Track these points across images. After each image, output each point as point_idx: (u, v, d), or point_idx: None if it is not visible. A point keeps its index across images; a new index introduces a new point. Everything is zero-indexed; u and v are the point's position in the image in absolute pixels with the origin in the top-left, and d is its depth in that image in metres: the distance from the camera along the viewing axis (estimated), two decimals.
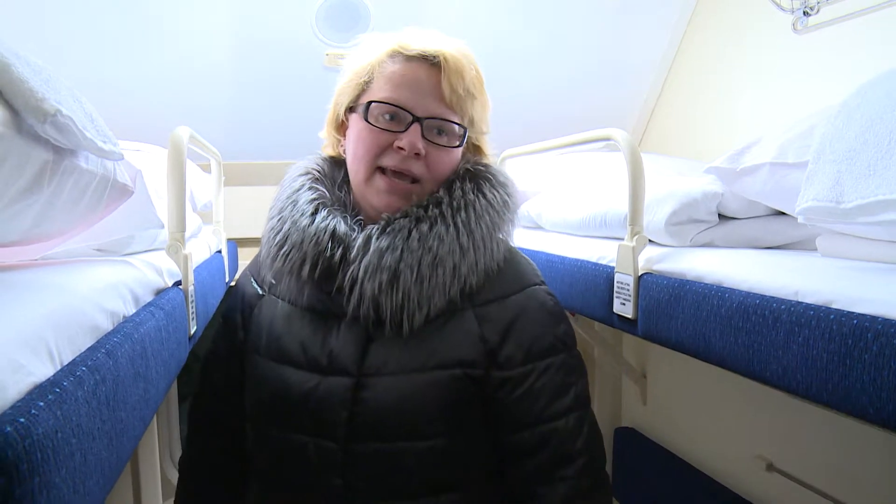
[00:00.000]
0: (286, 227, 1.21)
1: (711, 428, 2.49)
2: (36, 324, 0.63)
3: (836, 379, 0.88)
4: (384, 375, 1.18)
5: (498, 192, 1.27)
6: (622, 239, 1.43)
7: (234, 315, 1.35)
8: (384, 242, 1.17)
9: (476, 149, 1.36)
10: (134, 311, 0.93)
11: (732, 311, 1.09)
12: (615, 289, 1.44)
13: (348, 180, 1.30)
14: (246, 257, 2.16)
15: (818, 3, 2.14)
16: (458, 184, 1.25)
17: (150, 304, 0.99)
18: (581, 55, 3.11)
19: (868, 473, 1.80)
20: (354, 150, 1.25)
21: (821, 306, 0.93)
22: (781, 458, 2.11)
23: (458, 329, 1.22)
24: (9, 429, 0.49)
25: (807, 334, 0.93)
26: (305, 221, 1.20)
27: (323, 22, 2.68)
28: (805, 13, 2.18)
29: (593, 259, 1.59)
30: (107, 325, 0.79)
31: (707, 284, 1.19)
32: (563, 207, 1.97)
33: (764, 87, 2.58)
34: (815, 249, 1.22)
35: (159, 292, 1.09)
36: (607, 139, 1.48)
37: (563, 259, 1.74)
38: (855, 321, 0.85)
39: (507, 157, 2.09)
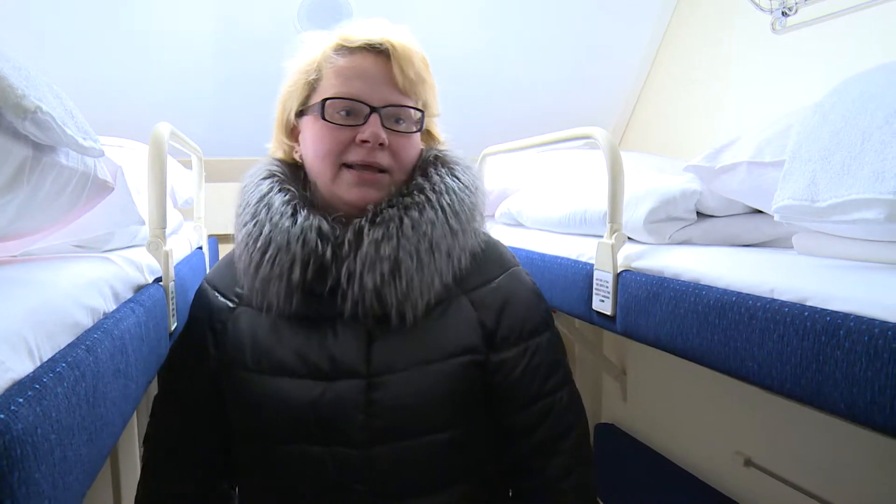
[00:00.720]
0: (266, 230, 1.17)
1: (691, 424, 2.50)
2: (15, 320, 0.63)
3: (810, 375, 0.89)
4: (395, 372, 1.17)
5: (468, 175, 1.28)
6: (602, 236, 1.44)
7: (200, 332, 1.28)
8: (378, 233, 1.16)
9: (428, 134, 1.35)
10: (114, 307, 0.93)
11: (709, 308, 1.10)
12: (594, 286, 1.45)
13: (310, 182, 1.27)
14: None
15: (796, 3, 2.15)
16: (433, 169, 1.25)
17: (130, 300, 0.99)
18: (562, 53, 3.12)
19: (844, 469, 1.82)
20: (315, 150, 1.22)
21: (795, 304, 0.94)
22: (759, 453, 2.13)
23: (457, 316, 1.23)
24: None
25: (781, 331, 0.94)
26: (287, 222, 1.17)
27: (305, 18, 2.68)
28: (784, 13, 2.20)
29: (573, 256, 1.60)
30: (87, 322, 0.79)
31: (684, 282, 1.20)
32: (543, 205, 1.98)
33: (744, 86, 2.60)
34: (792, 247, 1.24)
35: (139, 289, 1.09)
36: (587, 137, 1.49)
37: (543, 256, 1.75)
38: (828, 318, 0.87)
39: (488, 155, 2.10)
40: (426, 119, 1.28)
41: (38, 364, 0.61)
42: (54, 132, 0.74)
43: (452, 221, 1.21)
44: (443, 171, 1.26)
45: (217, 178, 2.77)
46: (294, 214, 1.18)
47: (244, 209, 1.23)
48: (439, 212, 1.20)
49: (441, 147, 1.33)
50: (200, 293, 1.32)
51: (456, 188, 1.24)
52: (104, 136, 2.05)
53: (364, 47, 1.21)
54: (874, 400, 0.79)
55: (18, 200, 0.79)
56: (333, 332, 1.19)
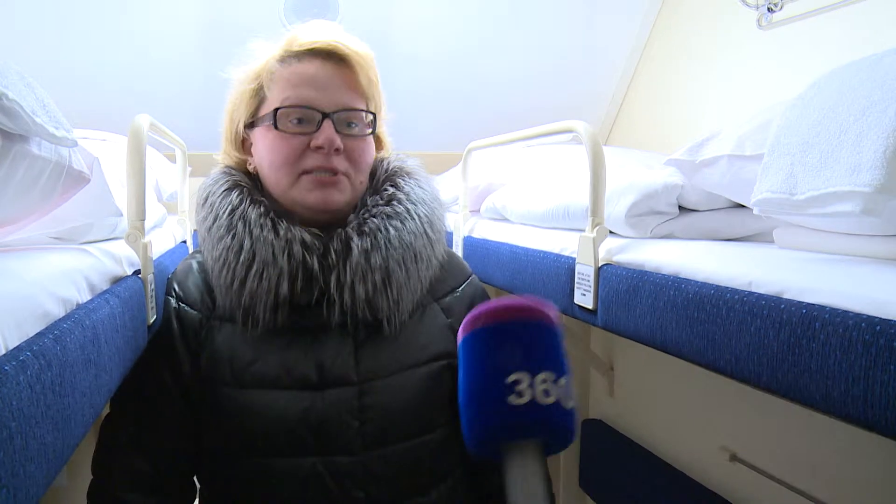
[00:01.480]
0: (248, 244, 1.15)
1: (677, 420, 2.51)
2: None
3: (786, 367, 0.89)
4: (382, 378, 1.18)
5: (430, 185, 1.30)
6: (584, 230, 1.44)
7: (172, 345, 1.22)
8: (367, 242, 1.16)
9: (377, 139, 1.32)
10: (89, 298, 0.93)
11: (688, 301, 1.10)
12: (576, 279, 1.45)
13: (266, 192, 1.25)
14: None
15: None
16: (402, 180, 1.26)
17: (105, 291, 0.98)
18: (550, 49, 3.12)
19: (828, 463, 1.82)
20: (270, 160, 1.21)
21: (772, 296, 0.94)
22: (745, 449, 2.14)
23: (432, 323, 1.27)
24: None
25: (758, 324, 0.94)
26: (270, 235, 1.15)
27: (291, 12, 2.67)
28: (769, 9, 2.21)
29: (556, 251, 1.60)
30: (58, 312, 0.78)
31: (664, 275, 1.20)
32: (527, 199, 1.98)
33: (731, 81, 2.61)
34: (773, 241, 1.24)
35: (117, 280, 1.08)
36: (570, 131, 1.49)
37: (527, 251, 1.75)
38: (804, 310, 0.87)
39: (473, 149, 2.10)
40: (380, 120, 1.29)
41: (3, 353, 0.61)
42: (23, 120, 0.73)
43: (429, 231, 1.24)
44: (411, 181, 1.27)
45: (203, 172, 2.75)
46: (274, 227, 1.17)
47: (215, 222, 1.20)
48: (418, 222, 1.22)
49: (397, 155, 1.35)
50: (167, 305, 1.26)
51: (427, 199, 1.26)
52: (90, 129, 2.06)
53: (311, 52, 1.20)
54: (848, 391, 0.79)
55: None
56: (318, 341, 1.18)
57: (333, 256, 1.16)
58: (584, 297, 1.42)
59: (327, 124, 1.17)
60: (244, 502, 1.22)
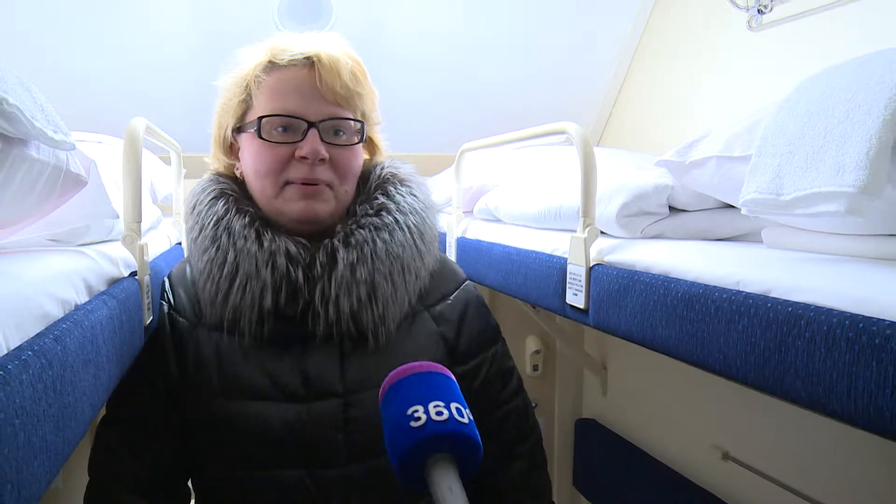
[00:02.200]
0: (231, 256, 1.15)
1: (670, 418, 2.53)
2: None
3: (773, 365, 0.91)
4: (368, 389, 1.16)
5: (423, 192, 1.29)
6: (576, 231, 1.45)
7: (163, 349, 1.23)
8: (353, 255, 1.15)
9: (371, 143, 1.33)
10: (87, 299, 0.94)
11: (678, 300, 1.11)
12: (567, 279, 1.46)
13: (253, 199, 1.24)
14: None
15: (772, 1, 2.18)
16: (393, 188, 1.25)
17: (103, 293, 0.99)
18: (542, 50, 3.13)
19: (819, 461, 1.84)
20: (255, 168, 1.20)
21: (759, 295, 0.95)
22: (737, 447, 2.16)
23: (422, 332, 1.26)
24: None
25: (746, 322, 0.95)
26: (253, 247, 1.15)
27: (286, 15, 2.68)
28: (759, 11, 2.22)
29: (547, 251, 1.62)
30: (57, 313, 0.79)
31: (654, 275, 1.21)
32: (520, 200, 1.99)
33: (722, 82, 2.62)
34: (761, 241, 1.25)
35: (114, 282, 1.09)
36: (561, 132, 1.50)
37: (519, 251, 1.76)
38: (790, 309, 0.88)
39: (466, 150, 2.11)
40: (367, 128, 1.27)
41: (5, 352, 0.62)
42: (22, 124, 0.74)
43: (419, 243, 1.22)
44: (402, 189, 1.25)
45: (198, 175, 2.75)
46: (258, 237, 1.16)
47: (200, 233, 1.20)
48: (407, 233, 1.20)
49: (391, 161, 1.33)
50: (160, 307, 1.27)
51: (418, 208, 1.25)
52: (87, 132, 2.07)
53: (297, 61, 1.18)
54: (832, 389, 0.81)
55: None
56: (304, 353, 1.18)
57: (319, 269, 1.16)
58: (575, 297, 1.43)
59: (312, 134, 1.16)
60: None
